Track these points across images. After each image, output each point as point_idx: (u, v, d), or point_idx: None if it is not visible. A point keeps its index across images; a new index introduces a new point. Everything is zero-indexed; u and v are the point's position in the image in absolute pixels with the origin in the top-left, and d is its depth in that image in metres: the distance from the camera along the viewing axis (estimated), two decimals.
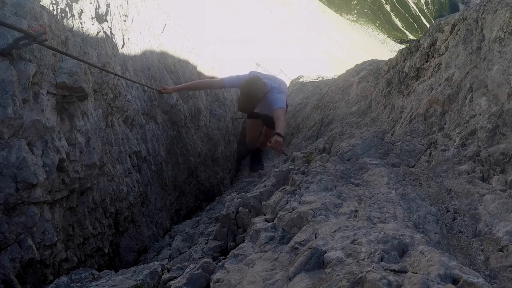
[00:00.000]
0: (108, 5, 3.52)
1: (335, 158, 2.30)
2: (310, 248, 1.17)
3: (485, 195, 1.59)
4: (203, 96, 6.33)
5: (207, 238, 2.49)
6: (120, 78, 3.28)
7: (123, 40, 3.78)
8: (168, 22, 5.26)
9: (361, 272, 0.91)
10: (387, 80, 3.74)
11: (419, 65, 3.11)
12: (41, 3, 2.33)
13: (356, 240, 1.17)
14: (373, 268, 0.92)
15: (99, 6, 3.32)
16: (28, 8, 2.12)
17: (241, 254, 1.42)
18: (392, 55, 4.44)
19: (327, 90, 7.04)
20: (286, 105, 3.34)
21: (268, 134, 4.20)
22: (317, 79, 10.34)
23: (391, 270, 0.91)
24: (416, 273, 0.88)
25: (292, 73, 12.69)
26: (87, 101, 2.61)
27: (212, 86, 3.67)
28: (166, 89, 3.67)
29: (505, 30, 2.03)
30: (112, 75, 3.00)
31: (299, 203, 1.65)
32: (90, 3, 3.12)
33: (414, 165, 2.12)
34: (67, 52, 2.35)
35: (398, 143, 2.37)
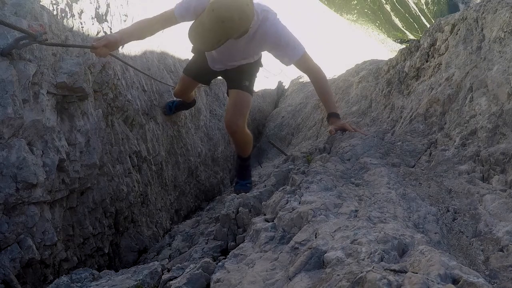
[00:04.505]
0: (108, 5, 3.52)
1: (335, 158, 2.30)
2: (310, 248, 1.17)
3: (485, 195, 1.59)
4: (203, 96, 6.33)
5: (207, 238, 2.49)
6: (120, 78, 3.28)
7: None
8: None
9: (361, 272, 0.91)
10: (387, 80, 3.74)
11: (419, 65, 3.11)
12: (41, 3, 2.33)
13: (356, 240, 1.17)
14: (373, 268, 0.92)
15: (99, 6, 3.32)
16: (28, 8, 2.12)
17: (241, 254, 1.42)
18: (392, 55, 4.45)
19: None
20: None
21: (233, 102, 2.68)
22: None
23: (391, 270, 0.91)
24: (416, 273, 0.88)
25: (292, 73, 12.70)
26: (87, 101, 2.61)
27: (161, 24, 2.39)
28: (108, 43, 2.09)
29: (505, 30, 2.03)
30: (111, 75, 3.00)
31: (299, 203, 1.65)
32: (90, 3, 3.12)
33: (414, 165, 2.12)
34: (69, 44, 2.36)
35: (398, 143, 2.37)
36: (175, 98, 4.45)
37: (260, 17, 2.12)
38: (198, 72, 2.94)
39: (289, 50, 2.21)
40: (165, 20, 2.37)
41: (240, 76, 2.71)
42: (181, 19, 2.26)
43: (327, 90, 2.37)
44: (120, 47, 3.64)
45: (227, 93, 2.85)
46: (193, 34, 1.95)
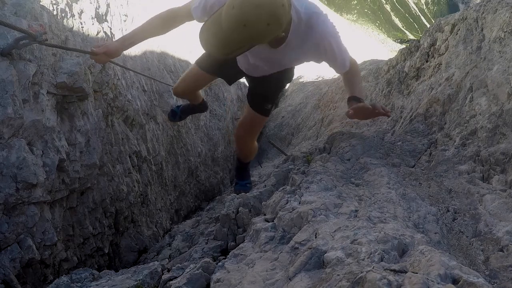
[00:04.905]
0: (108, 5, 3.52)
1: (335, 158, 2.30)
2: (310, 248, 1.17)
3: (485, 195, 1.59)
4: (203, 96, 6.33)
5: (207, 238, 2.49)
6: (120, 78, 3.28)
7: None
8: None
9: (361, 272, 0.91)
10: (387, 80, 3.74)
11: (419, 65, 3.11)
12: (41, 3, 2.34)
13: (356, 240, 1.17)
14: (373, 268, 0.92)
15: (99, 6, 3.32)
16: (28, 8, 2.12)
17: (241, 254, 1.42)
18: (392, 55, 4.44)
19: (327, 90, 7.04)
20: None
21: (248, 121, 2.52)
22: (317, 78, 10.35)
23: (391, 270, 0.91)
24: (416, 273, 0.88)
25: None
26: (87, 101, 2.61)
27: (171, 24, 2.09)
28: (107, 51, 1.97)
29: (505, 30, 2.03)
30: (111, 75, 3.00)
31: (299, 203, 1.65)
32: (90, 3, 3.12)
33: (414, 165, 2.12)
34: (69, 47, 2.35)
35: (398, 143, 2.37)
36: (175, 98, 4.39)
37: (303, 20, 1.68)
38: (220, 65, 2.42)
39: (339, 60, 1.88)
40: (175, 21, 2.05)
41: (265, 94, 2.41)
42: (200, 20, 1.90)
43: (354, 78, 2.06)
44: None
45: (247, 98, 2.57)
46: (206, 36, 1.51)
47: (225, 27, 1.44)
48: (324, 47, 1.80)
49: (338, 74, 2.13)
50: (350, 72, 2.03)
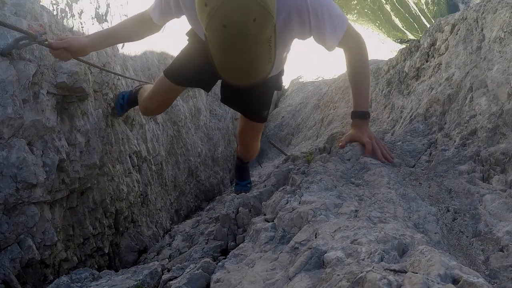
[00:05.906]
0: (108, 5, 3.52)
1: (335, 158, 2.30)
2: (310, 248, 1.17)
3: (485, 195, 1.59)
4: (203, 96, 6.34)
5: (207, 238, 2.49)
6: (120, 78, 3.28)
7: None
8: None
9: (361, 272, 0.91)
10: (387, 80, 3.74)
11: (419, 65, 3.11)
12: (41, 3, 2.34)
13: (356, 240, 1.17)
14: (373, 268, 0.92)
15: (99, 6, 3.32)
16: (28, 8, 2.12)
17: (241, 254, 1.42)
18: (392, 55, 4.44)
19: (327, 90, 7.04)
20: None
21: (249, 130, 2.38)
22: (317, 78, 10.36)
23: (391, 270, 0.91)
24: (416, 273, 0.88)
25: (292, 73, 12.71)
26: (87, 101, 2.61)
27: (135, 30, 1.86)
28: (69, 47, 1.80)
29: (505, 30, 2.03)
30: (112, 75, 3.00)
31: (299, 203, 1.65)
32: (90, 3, 3.12)
33: (414, 165, 2.12)
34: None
35: (399, 143, 2.37)
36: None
37: None
38: (196, 74, 2.06)
39: (330, 30, 1.49)
40: (141, 24, 1.78)
41: (259, 103, 2.15)
42: (162, 19, 1.66)
43: (360, 78, 1.69)
44: (121, 48, 3.63)
45: (238, 109, 2.35)
46: (231, 70, 1.22)
47: (239, 46, 1.13)
48: (308, 11, 1.43)
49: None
50: (354, 60, 1.72)
